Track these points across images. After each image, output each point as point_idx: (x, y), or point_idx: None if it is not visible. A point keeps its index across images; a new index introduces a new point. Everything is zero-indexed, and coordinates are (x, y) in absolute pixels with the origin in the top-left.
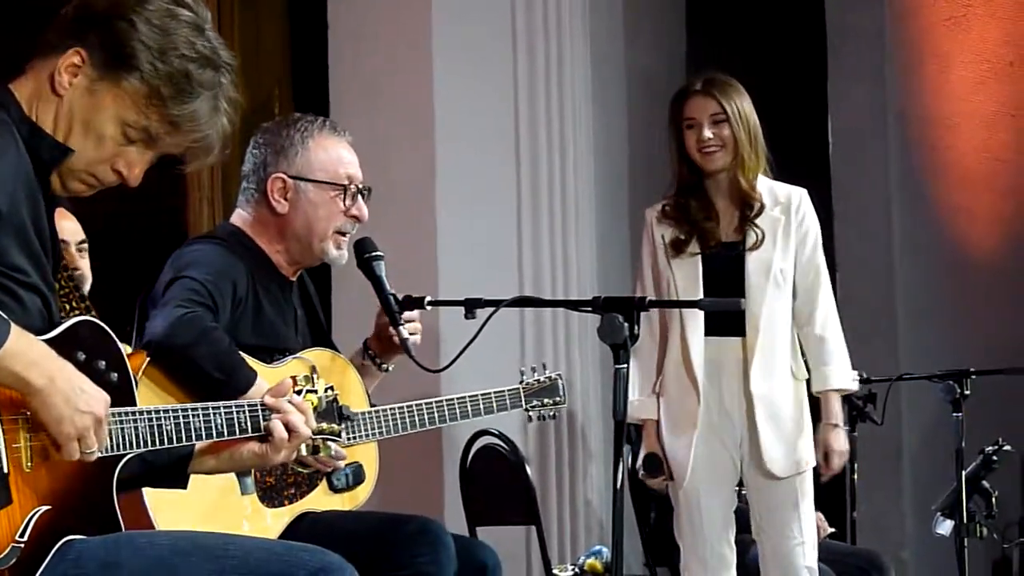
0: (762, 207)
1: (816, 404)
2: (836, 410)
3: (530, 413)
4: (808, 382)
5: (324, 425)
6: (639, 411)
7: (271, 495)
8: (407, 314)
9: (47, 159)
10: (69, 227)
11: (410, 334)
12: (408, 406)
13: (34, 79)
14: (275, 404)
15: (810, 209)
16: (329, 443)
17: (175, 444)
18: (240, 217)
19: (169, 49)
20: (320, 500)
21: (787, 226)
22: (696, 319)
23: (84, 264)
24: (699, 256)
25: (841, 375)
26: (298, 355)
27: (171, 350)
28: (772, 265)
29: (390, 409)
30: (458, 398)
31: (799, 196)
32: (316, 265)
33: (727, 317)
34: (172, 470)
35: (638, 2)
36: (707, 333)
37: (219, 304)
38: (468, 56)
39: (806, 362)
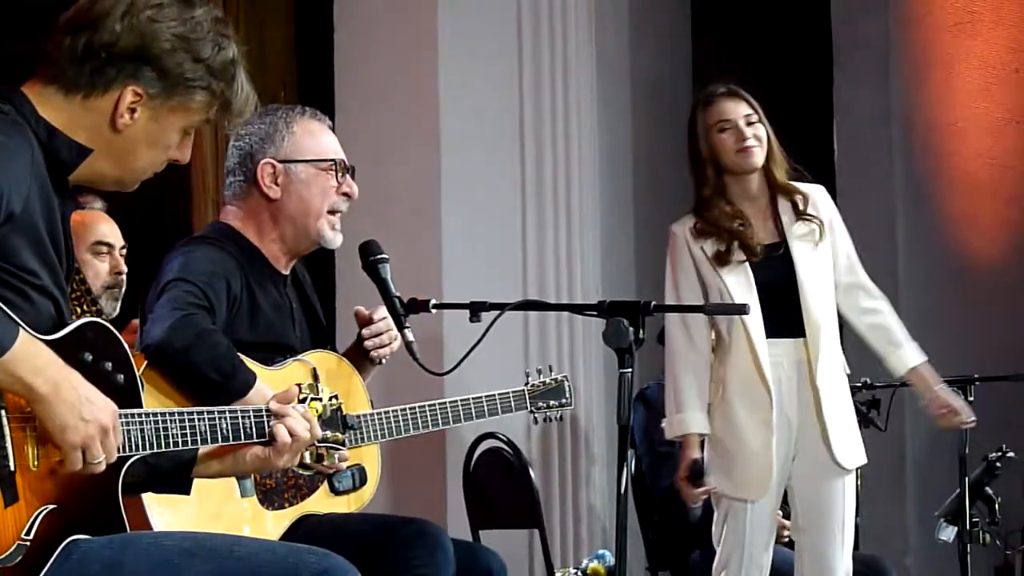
0: (805, 200)
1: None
2: (933, 376)
3: (535, 415)
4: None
5: (328, 433)
6: (694, 424)
7: (271, 497)
8: (374, 327)
9: (66, 159)
10: (112, 231)
11: (380, 346)
12: (413, 408)
13: (70, 111)
14: (279, 410)
15: (831, 202)
16: (332, 451)
17: (180, 447)
18: (230, 213)
19: (215, 54)
20: (321, 503)
21: (822, 221)
22: (758, 323)
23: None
24: (746, 263)
25: (917, 349)
26: (299, 357)
27: (169, 353)
28: (818, 262)
29: (394, 411)
30: (462, 400)
31: (821, 192)
32: (311, 251)
33: (782, 319)
34: (176, 474)
35: (644, 7)
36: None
37: (215, 304)
38: (473, 60)
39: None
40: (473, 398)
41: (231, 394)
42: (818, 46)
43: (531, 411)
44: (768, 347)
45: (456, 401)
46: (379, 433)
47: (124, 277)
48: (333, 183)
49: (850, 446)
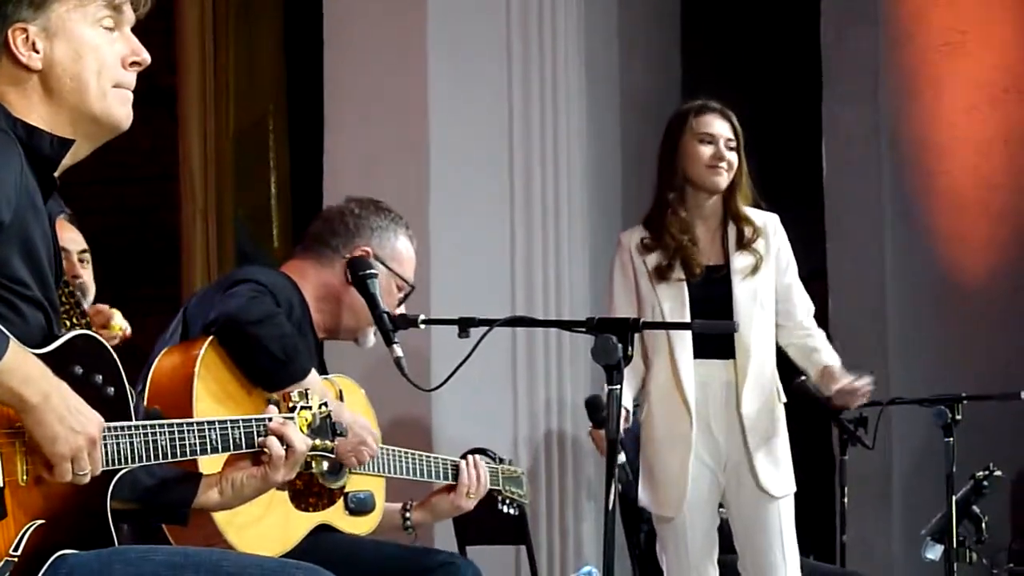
0: (756, 233)
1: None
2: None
3: (499, 497)
4: (790, 381)
5: (317, 441)
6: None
7: (299, 497)
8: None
9: (49, 154)
10: (70, 236)
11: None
12: (412, 454)
13: (1, 83)
14: (275, 427)
15: (783, 234)
16: (321, 460)
17: (170, 459)
18: (295, 268)
19: None
20: (338, 517)
21: (766, 252)
22: (685, 341)
23: (86, 274)
24: (684, 282)
25: (833, 355)
26: (327, 376)
27: (241, 324)
28: (757, 289)
29: (397, 452)
30: (442, 458)
31: (775, 222)
32: (343, 340)
33: (713, 340)
34: (177, 506)
35: (634, 23)
36: (694, 356)
37: (281, 308)
38: (463, 74)
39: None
40: (452, 460)
41: (291, 376)
42: (807, 64)
43: (499, 491)
44: (695, 367)
45: (436, 458)
46: (384, 468)
47: (83, 282)
48: (395, 301)
49: (777, 474)
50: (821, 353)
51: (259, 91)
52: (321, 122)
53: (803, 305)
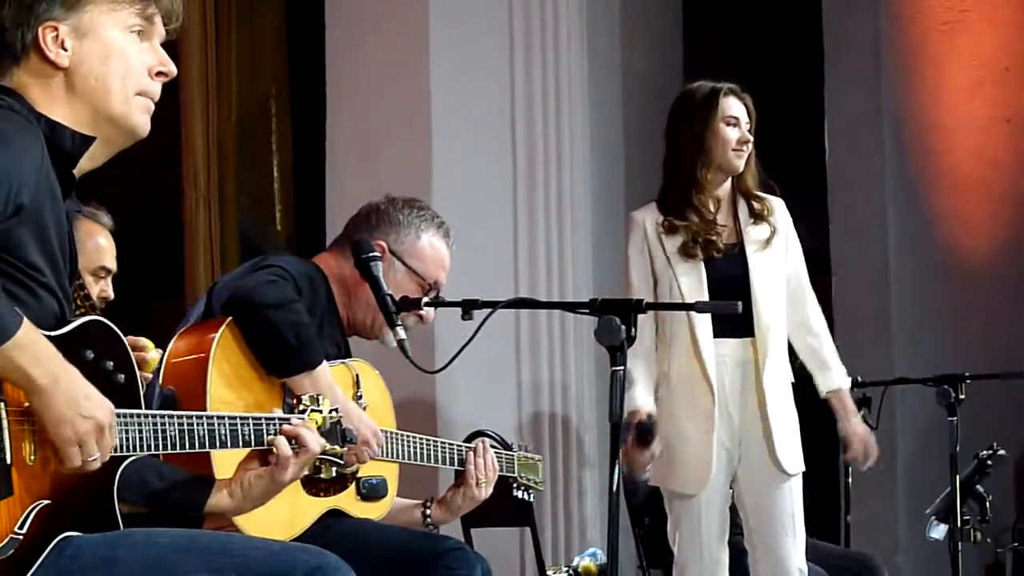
0: (765, 208)
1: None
2: (852, 404)
3: (514, 483)
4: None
5: (327, 445)
6: (640, 402)
7: (309, 483)
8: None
9: (71, 150)
10: (113, 255)
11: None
12: (426, 439)
13: (27, 77)
14: (285, 427)
15: (790, 219)
16: (330, 464)
17: (178, 450)
18: (326, 263)
19: None
20: (349, 502)
21: (778, 228)
22: (704, 321)
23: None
24: (701, 260)
25: (844, 374)
26: (345, 361)
27: (255, 307)
28: (772, 264)
29: (412, 437)
30: (455, 444)
31: (781, 205)
32: (367, 339)
33: (730, 319)
34: (186, 512)
35: (635, 5)
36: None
37: (303, 296)
38: (465, 58)
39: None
40: (465, 445)
41: (302, 364)
42: (809, 45)
43: (514, 478)
44: (715, 346)
45: (458, 444)
46: (397, 453)
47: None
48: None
49: (792, 451)
50: (832, 372)
51: (261, 75)
52: (324, 105)
53: (815, 310)
